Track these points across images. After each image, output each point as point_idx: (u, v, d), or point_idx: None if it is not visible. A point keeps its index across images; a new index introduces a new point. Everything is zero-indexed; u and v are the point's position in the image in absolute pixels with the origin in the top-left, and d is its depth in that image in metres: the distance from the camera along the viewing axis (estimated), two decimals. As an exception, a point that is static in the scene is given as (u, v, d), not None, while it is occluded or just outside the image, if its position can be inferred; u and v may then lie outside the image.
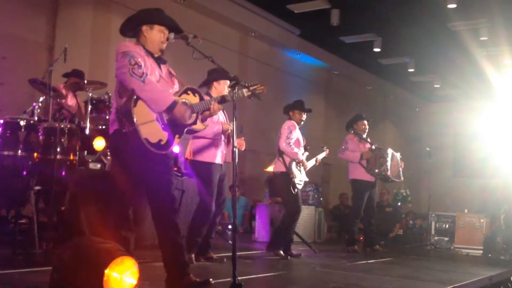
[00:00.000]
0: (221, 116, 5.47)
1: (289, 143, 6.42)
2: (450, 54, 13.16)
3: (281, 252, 6.38)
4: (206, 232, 5.43)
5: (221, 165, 5.45)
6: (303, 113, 6.66)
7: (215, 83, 5.46)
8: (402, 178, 8.04)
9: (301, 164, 6.54)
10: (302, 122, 6.70)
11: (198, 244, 5.28)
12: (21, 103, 6.73)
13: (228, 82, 5.48)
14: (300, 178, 6.48)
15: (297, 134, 6.53)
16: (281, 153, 6.49)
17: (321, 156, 7.19)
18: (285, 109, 6.77)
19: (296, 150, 6.45)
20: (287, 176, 6.40)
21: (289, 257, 6.42)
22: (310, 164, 6.80)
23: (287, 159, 6.44)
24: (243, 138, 5.69)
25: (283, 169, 6.44)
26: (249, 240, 8.85)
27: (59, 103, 5.93)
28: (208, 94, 5.33)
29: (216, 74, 5.45)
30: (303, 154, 6.61)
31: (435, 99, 18.81)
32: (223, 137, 5.45)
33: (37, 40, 8.53)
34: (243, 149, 5.63)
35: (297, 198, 6.45)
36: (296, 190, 6.41)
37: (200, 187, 5.31)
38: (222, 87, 5.44)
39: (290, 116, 6.65)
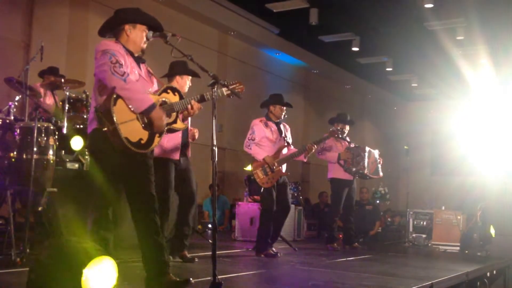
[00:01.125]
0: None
1: (249, 144, 6.37)
2: (427, 54, 13.31)
3: (271, 251, 6.36)
4: (178, 230, 5.42)
5: (177, 160, 5.37)
6: (284, 108, 6.58)
7: (177, 77, 5.40)
8: (381, 174, 8.08)
9: (265, 163, 6.34)
10: (283, 117, 6.60)
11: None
12: (-3, 102, 6.64)
13: (190, 77, 5.45)
14: (264, 176, 6.33)
15: (266, 132, 6.40)
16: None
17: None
18: (265, 103, 6.66)
19: (255, 150, 6.35)
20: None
21: (266, 256, 6.37)
22: (287, 159, 6.57)
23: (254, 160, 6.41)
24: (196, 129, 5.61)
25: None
26: (229, 239, 8.85)
27: (35, 102, 5.86)
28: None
29: (180, 68, 5.39)
30: (278, 150, 6.43)
31: (413, 98, 19.01)
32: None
33: (13, 38, 8.41)
34: (193, 140, 5.56)
35: (268, 196, 6.38)
36: (262, 188, 6.37)
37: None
38: (184, 82, 5.39)
39: (271, 110, 6.61)
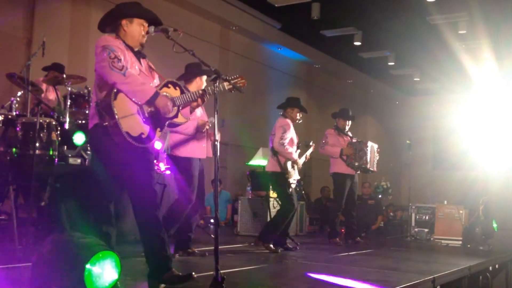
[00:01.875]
0: (198, 111, 5.42)
1: (283, 143, 6.40)
2: (430, 48, 13.28)
3: (271, 245, 6.38)
4: (186, 227, 5.43)
5: (199, 159, 5.42)
6: (299, 111, 6.67)
7: (197, 79, 5.43)
8: (375, 169, 8.08)
9: (295, 163, 6.54)
10: (298, 121, 6.70)
11: (170, 237, 5.22)
12: (-1, 98, 6.64)
13: (205, 77, 5.46)
14: (294, 177, 6.52)
15: (291, 133, 6.52)
16: (275, 152, 6.47)
17: (309, 152, 7.20)
18: (283, 106, 6.73)
19: (290, 150, 6.45)
20: (282, 175, 6.42)
21: (284, 250, 6.48)
22: (301, 161, 6.80)
23: (282, 159, 6.44)
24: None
25: (277, 168, 6.44)
26: (231, 234, 8.86)
27: (37, 97, 5.86)
28: (185, 88, 5.28)
29: (197, 69, 5.42)
30: (296, 152, 6.61)
31: (415, 92, 18.96)
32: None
33: (15, 34, 8.41)
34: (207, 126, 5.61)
35: (292, 197, 6.47)
36: (290, 189, 6.44)
37: (180, 182, 5.28)
38: (202, 82, 5.44)
39: (289, 113, 6.63)
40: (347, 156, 7.73)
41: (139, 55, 3.81)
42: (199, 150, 5.39)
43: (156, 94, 3.58)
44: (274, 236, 6.47)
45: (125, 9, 3.79)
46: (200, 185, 5.49)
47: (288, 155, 6.43)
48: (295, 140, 6.62)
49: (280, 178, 6.44)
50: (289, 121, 6.56)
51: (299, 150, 6.75)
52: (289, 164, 6.46)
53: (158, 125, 3.69)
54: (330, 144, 7.80)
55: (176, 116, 3.83)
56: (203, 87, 5.39)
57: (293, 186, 6.52)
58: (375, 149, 8.02)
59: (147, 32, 3.79)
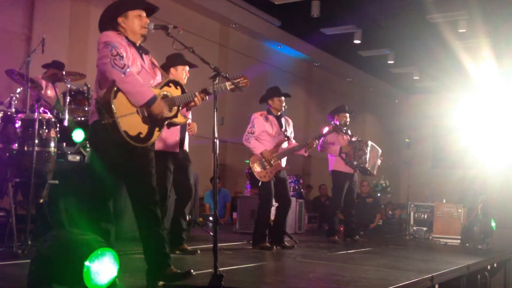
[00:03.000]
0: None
1: (247, 138, 6.36)
2: (429, 46, 13.27)
3: (266, 244, 6.37)
4: (174, 223, 5.43)
5: (176, 153, 5.38)
6: (282, 98, 6.55)
7: (172, 69, 5.38)
8: (374, 173, 8.06)
9: (263, 156, 6.33)
10: (284, 108, 6.57)
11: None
12: (-2, 94, 6.63)
13: (187, 68, 5.42)
14: (262, 170, 6.31)
15: (266, 126, 6.38)
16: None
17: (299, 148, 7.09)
18: (263, 98, 6.63)
19: (254, 144, 6.34)
20: (251, 171, 6.38)
21: (282, 248, 6.45)
22: (287, 153, 6.54)
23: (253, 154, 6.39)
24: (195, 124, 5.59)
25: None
26: (230, 232, 8.87)
27: (37, 94, 5.85)
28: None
29: (173, 60, 5.37)
30: (278, 144, 6.43)
31: (414, 91, 18.97)
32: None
33: (14, 31, 8.39)
34: (193, 134, 5.56)
35: (265, 191, 6.37)
36: (260, 183, 6.35)
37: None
38: (179, 74, 5.37)
39: (270, 104, 6.58)
40: (346, 154, 7.72)
41: (141, 50, 3.79)
42: (172, 144, 5.34)
43: (153, 99, 3.56)
44: (262, 235, 6.41)
45: (117, 6, 3.75)
46: (185, 179, 5.45)
47: (252, 150, 6.34)
48: (273, 132, 6.42)
49: (251, 175, 6.39)
50: (260, 114, 6.44)
51: (286, 144, 6.51)
52: (255, 159, 6.34)
53: (157, 124, 3.67)
54: (329, 142, 7.79)
55: (175, 116, 3.81)
56: (183, 78, 5.35)
57: (263, 179, 6.31)
58: (379, 154, 7.99)
59: (146, 27, 3.77)
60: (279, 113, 6.57)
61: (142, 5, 3.79)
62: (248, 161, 6.45)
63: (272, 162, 6.35)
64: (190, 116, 5.49)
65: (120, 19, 3.72)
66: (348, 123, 7.98)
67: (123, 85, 3.48)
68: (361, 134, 11.10)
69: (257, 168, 6.35)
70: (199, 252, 5.49)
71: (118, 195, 4.14)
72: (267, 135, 6.42)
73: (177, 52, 4.92)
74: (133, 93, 3.52)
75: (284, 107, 6.56)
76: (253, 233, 6.58)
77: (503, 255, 7.58)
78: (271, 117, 6.49)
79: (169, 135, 5.28)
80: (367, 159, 7.73)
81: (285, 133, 6.56)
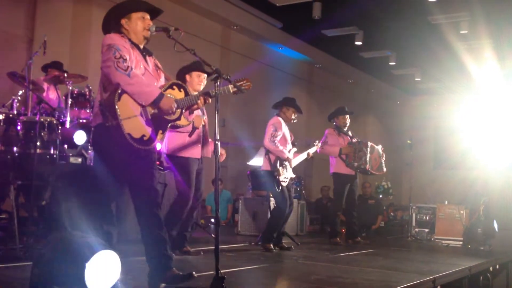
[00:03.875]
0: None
1: (274, 141, 6.40)
2: (431, 48, 13.25)
3: (271, 245, 6.39)
4: (182, 226, 5.44)
5: (198, 159, 5.44)
6: (294, 111, 6.67)
7: (186, 76, 5.43)
8: (384, 170, 8.07)
9: (287, 161, 6.52)
10: (293, 121, 6.69)
11: (172, 238, 5.24)
12: (0, 96, 6.64)
13: (204, 75, 5.45)
14: (285, 175, 6.48)
15: (283, 131, 6.51)
16: (267, 151, 6.49)
17: (312, 150, 7.20)
18: (278, 104, 6.72)
19: (281, 148, 6.44)
20: (272, 174, 6.42)
21: (279, 249, 6.50)
22: (301, 158, 6.79)
23: (273, 157, 6.44)
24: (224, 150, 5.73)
25: (268, 167, 6.46)
26: (232, 233, 8.86)
27: (39, 96, 5.86)
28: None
29: (186, 68, 5.44)
30: (290, 151, 6.59)
31: (416, 92, 18.95)
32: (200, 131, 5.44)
33: (16, 33, 8.41)
34: (222, 159, 5.67)
35: (284, 195, 6.46)
36: (280, 187, 6.43)
37: (179, 181, 5.31)
38: (193, 80, 5.42)
39: (284, 112, 6.63)
40: (346, 155, 7.73)
41: (145, 52, 3.79)
42: (195, 151, 5.41)
43: (161, 96, 3.57)
44: (273, 235, 6.48)
45: (120, 8, 3.76)
46: (197, 186, 5.49)
47: (279, 153, 6.42)
48: (288, 139, 6.59)
49: (270, 176, 6.44)
50: (281, 119, 6.56)
51: (295, 149, 6.71)
52: (278, 162, 6.44)
53: (160, 127, 3.68)
54: (329, 144, 7.80)
55: (179, 118, 3.82)
56: (199, 86, 5.40)
57: (283, 184, 6.43)
58: (379, 150, 7.98)
59: (148, 29, 3.77)
60: (287, 123, 6.69)
61: (146, 7, 3.80)
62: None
63: (291, 166, 6.57)
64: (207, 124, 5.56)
65: (123, 21, 3.73)
66: (348, 124, 7.98)
67: (128, 87, 3.48)
68: (362, 136, 11.11)
69: (282, 172, 6.46)
70: (202, 253, 5.50)
71: (120, 197, 4.14)
72: (283, 140, 6.54)
73: (196, 60, 4.98)
74: (140, 93, 3.52)
75: (293, 120, 6.72)
76: (265, 231, 6.64)
77: (505, 256, 7.57)
78: (284, 125, 6.62)
79: (192, 143, 5.36)
80: (367, 160, 7.72)
81: (293, 141, 6.76)
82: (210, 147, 5.58)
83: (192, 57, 3.83)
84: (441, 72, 15.01)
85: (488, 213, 8.87)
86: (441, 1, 10.61)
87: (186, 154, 5.34)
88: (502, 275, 7.50)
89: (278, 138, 6.44)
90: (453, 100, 16.05)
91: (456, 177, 14.40)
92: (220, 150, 5.42)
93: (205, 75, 5.49)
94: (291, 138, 6.67)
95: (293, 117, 6.66)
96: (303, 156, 6.88)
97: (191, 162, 5.35)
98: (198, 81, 5.44)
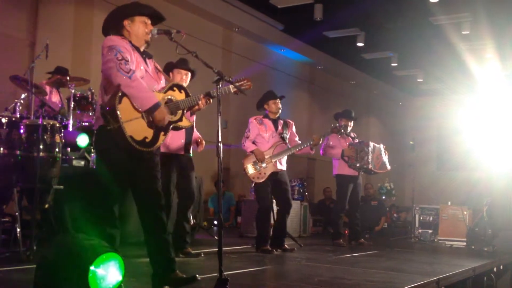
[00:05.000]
0: None
1: (243, 141, 6.44)
2: (433, 48, 13.25)
3: (268, 247, 6.37)
4: (176, 226, 5.43)
5: (179, 155, 5.41)
6: (277, 101, 6.59)
7: (170, 74, 5.41)
8: (388, 167, 8.06)
9: (256, 157, 6.36)
10: (280, 110, 6.60)
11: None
12: (3, 100, 6.65)
13: (184, 71, 5.44)
14: (258, 171, 6.37)
15: (257, 129, 6.46)
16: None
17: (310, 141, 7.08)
18: (259, 104, 6.69)
19: (247, 145, 6.41)
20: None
21: (282, 251, 6.47)
22: (276, 157, 6.50)
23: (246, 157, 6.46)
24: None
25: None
26: (234, 235, 8.86)
27: (41, 100, 5.87)
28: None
29: (168, 65, 5.42)
30: (274, 145, 6.45)
31: (418, 93, 18.94)
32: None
33: (18, 37, 8.43)
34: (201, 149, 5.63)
35: (261, 191, 6.43)
36: (254, 184, 6.43)
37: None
38: (177, 76, 5.41)
39: (266, 108, 6.60)
40: (348, 157, 7.73)
41: (145, 55, 3.80)
42: (176, 147, 5.38)
43: (157, 105, 3.57)
44: (263, 238, 6.43)
45: (125, 9, 3.77)
46: (187, 183, 5.47)
47: (247, 150, 6.41)
48: (266, 134, 6.47)
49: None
50: (255, 118, 6.54)
51: (276, 146, 6.48)
52: (249, 161, 6.40)
53: (162, 128, 3.68)
54: (331, 146, 7.80)
55: (180, 119, 3.82)
56: (184, 83, 5.38)
57: (257, 180, 6.37)
58: (381, 149, 7.97)
59: (150, 33, 3.78)
60: (276, 116, 6.61)
61: (151, 12, 3.80)
62: (243, 161, 6.50)
63: (264, 162, 6.38)
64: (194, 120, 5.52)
65: (126, 22, 3.73)
66: (350, 128, 7.96)
67: (128, 89, 3.48)
68: (365, 137, 11.09)
69: (250, 170, 6.42)
70: (202, 255, 5.49)
71: (123, 200, 4.13)
72: (261, 137, 6.49)
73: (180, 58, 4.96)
74: (139, 98, 3.52)
75: (280, 109, 6.59)
76: (256, 236, 6.63)
77: (509, 257, 7.56)
78: (266, 120, 6.56)
79: (173, 138, 5.30)
80: (370, 160, 7.72)
81: (281, 135, 6.56)
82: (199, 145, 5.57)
83: (194, 59, 3.83)
84: (443, 73, 14.99)
85: (491, 214, 8.86)
86: (443, 2, 10.61)
87: (165, 149, 5.24)
88: (506, 276, 7.49)
89: (250, 137, 6.43)
90: (455, 101, 16.03)
91: (459, 178, 14.38)
92: (199, 140, 5.44)
93: (189, 73, 5.49)
94: (276, 133, 6.51)
95: (279, 107, 6.56)
96: (283, 153, 6.54)
97: (171, 159, 5.30)
98: (179, 78, 5.42)
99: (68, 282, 2.89)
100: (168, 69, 5.45)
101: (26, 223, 5.02)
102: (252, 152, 6.38)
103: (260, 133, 6.48)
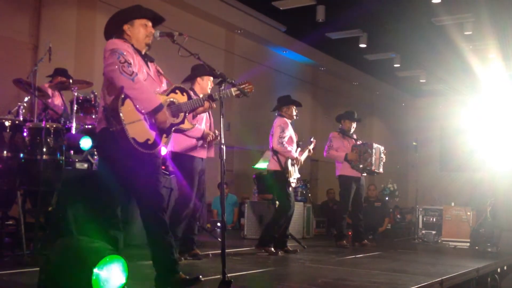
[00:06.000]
0: (205, 118, 5.45)
1: (282, 142, 6.42)
2: (436, 49, 13.24)
3: (272, 248, 6.38)
4: (188, 228, 5.45)
5: (202, 159, 5.44)
6: (294, 108, 6.66)
7: (198, 79, 5.47)
8: (381, 170, 8.07)
9: (295, 161, 6.54)
10: (296, 117, 6.68)
11: (178, 240, 5.23)
12: (6, 103, 6.68)
13: (211, 78, 5.48)
14: (294, 176, 6.52)
15: (290, 131, 6.53)
16: (275, 152, 6.49)
17: (311, 146, 7.17)
18: (277, 107, 6.71)
19: (289, 148, 6.46)
20: (282, 175, 6.42)
21: (285, 253, 6.50)
22: (303, 157, 6.79)
23: (282, 158, 6.45)
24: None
25: (277, 167, 6.46)
26: (238, 237, 8.86)
27: (44, 103, 5.89)
28: (192, 90, 5.34)
29: (200, 70, 5.45)
30: (296, 151, 6.62)
31: (421, 94, 18.92)
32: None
33: (21, 40, 8.46)
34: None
35: (290, 196, 6.49)
36: (290, 188, 6.45)
37: (181, 180, 5.30)
38: (205, 83, 5.46)
39: (285, 112, 6.62)
40: (352, 160, 7.74)
41: (147, 58, 3.81)
42: (201, 150, 5.42)
43: (160, 107, 3.59)
44: (272, 238, 6.47)
45: (124, 14, 3.78)
46: (200, 185, 5.49)
47: (288, 153, 6.44)
48: (294, 139, 6.61)
49: (280, 177, 6.45)
50: (286, 119, 6.57)
51: (299, 149, 6.73)
52: (289, 162, 6.46)
53: (164, 131, 3.69)
54: (334, 148, 7.80)
55: (182, 122, 3.83)
56: (208, 88, 5.43)
57: (293, 185, 6.50)
58: (381, 151, 8.00)
59: (152, 35, 3.79)
60: (291, 121, 6.68)
61: (150, 14, 3.81)
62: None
63: (300, 165, 6.61)
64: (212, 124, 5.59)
65: (126, 27, 3.74)
66: (353, 129, 7.98)
67: (131, 91, 3.49)
68: (368, 138, 11.09)
69: (293, 173, 6.50)
70: (211, 256, 5.49)
71: (126, 202, 4.14)
72: (290, 140, 6.56)
73: (200, 63, 5.00)
74: (142, 99, 3.54)
75: (296, 116, 6.71)
76: (264, 233, 6.64)
77: (513, 257, 7.53)
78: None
79: (199, 143, 5.38)
80: (373, 161, 7.73)
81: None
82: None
83: (197, 62, 3.84)
84: (446, 74, 14.98)
85: (495, 214, 8.84)
86: (445, 3, 10.60)
87: (191, 152, 5.33)
88: (510, 276, 7.46)
89: (286, 139, 6.45)
90: (458, 101, 16.00)
91: (462, 178, 14.34)
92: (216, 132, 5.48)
93: (213, 78, 5.55)
94: (296, 138, 6.67)
95: (294, 113, 6.66)
96: (305, 154, 6.84)
97: (195, 161, 5.34)
98: (210, 85, 5.48)
99: (71, 285, 2.90)
100: (192, 77, 5.49)
101: (29, 226, 5.03)
102: (297, 158, 6.53)
103: (291, 136, 6.53)
